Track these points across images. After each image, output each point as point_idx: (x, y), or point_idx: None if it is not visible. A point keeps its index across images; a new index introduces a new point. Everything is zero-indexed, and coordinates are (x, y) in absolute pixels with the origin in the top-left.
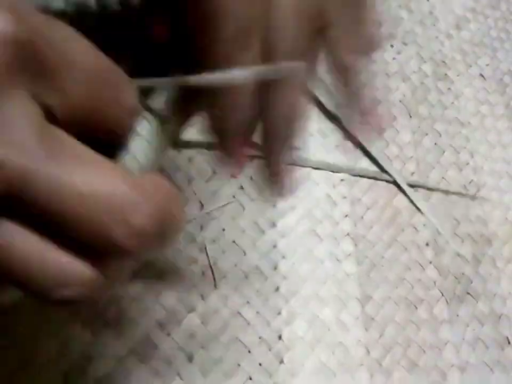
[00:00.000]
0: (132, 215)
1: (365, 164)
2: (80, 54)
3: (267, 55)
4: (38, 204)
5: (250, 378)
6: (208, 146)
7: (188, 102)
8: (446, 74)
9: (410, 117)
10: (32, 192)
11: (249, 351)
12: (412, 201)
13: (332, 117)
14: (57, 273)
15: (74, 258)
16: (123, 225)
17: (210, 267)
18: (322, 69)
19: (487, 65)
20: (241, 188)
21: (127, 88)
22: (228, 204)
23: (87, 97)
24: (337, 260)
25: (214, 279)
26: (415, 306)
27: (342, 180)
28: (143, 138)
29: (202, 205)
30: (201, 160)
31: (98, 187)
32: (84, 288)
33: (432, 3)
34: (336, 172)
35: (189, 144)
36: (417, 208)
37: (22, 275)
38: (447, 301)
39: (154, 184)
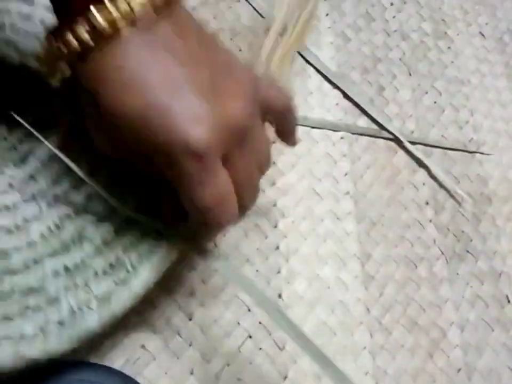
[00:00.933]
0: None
1: (364, 122)
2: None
3: None
4: None
5: (250, 337)
6: None
7: None
8: (445, 32)
9: (410, 75)
10: None
11: (249, 310)
12: (412, 156)
13: (330, 75)
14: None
15: None
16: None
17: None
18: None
19: (487, 23)
20: None
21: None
22: None
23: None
24: (337, 219)
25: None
26: (415, 264)
27: (341, 138)
28: None
29: None
30: None
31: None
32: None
33: None
34: (336, 130)
35: None
36: (419, 160)
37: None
38: (446, 259)
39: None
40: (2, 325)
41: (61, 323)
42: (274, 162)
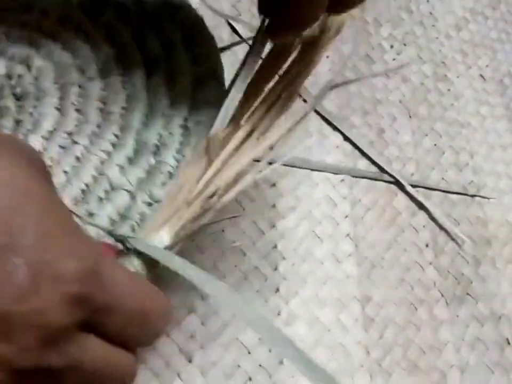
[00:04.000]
0: (165, 316)
1: (364, 165)
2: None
3: None
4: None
5: (250, 379)
6: None
7: None
8: (445, 75)
9: (410, 117)
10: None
11: (249, 352)
12: (412, 198)
13: (330, 118)
14: (124, 372)
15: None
16: (164, 322)
17: None
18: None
19: (487, 66)
20: None
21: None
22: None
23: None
24: (337, 261)
25: None
26: (415, 307)
27: (342, 181)
28: None
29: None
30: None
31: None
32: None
33: (432, 4)
34: (336, 173)
35: None
36: (419, 203)
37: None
38: (447, 302)
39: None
40: None
41: None
42: (274, 205)
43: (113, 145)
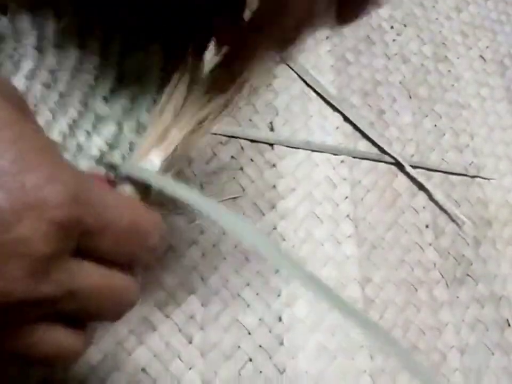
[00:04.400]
0: (157, 231)
1: (365, 146)
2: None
3: None
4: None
5: (250, 360)
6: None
7: None
8: (446, 56)
9: (410, 98)
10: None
11: (249, 333)
12: (413, 179)
13: (331, 99)
14: (123, 294)
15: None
16: (157, 237)
17: None
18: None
19: (487, 47)
20: (241, 169)
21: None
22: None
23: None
24: (337, 242)
25: None
26: (415, 288)
27: (342, 162)
28: None
29: (202, 186)
30: (201, 142)
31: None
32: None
33: None
34: (336, 154)
35: None
36: (419, 184)
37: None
38: (447, 283)
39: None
40: None
41: None
42: (274, 186)
43: (95, 77)
